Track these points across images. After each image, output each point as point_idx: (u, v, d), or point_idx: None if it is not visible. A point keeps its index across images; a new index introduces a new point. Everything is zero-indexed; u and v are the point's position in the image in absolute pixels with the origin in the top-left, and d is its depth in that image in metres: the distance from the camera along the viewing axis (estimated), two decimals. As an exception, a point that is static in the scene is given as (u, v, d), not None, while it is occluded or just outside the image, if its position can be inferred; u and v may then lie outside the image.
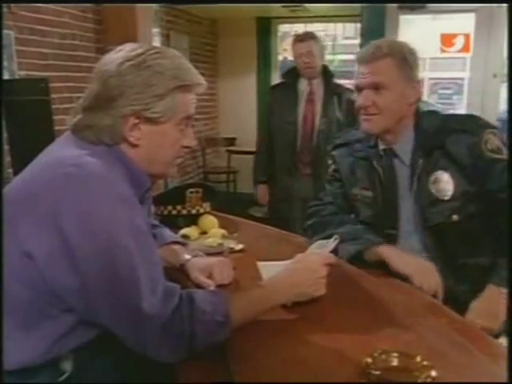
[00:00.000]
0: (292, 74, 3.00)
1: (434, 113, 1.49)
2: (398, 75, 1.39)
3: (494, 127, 1.40)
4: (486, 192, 1.36)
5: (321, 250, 1.19)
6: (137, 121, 0.99)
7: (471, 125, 1.40)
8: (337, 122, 2.85)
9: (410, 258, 1.32)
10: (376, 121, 1.42)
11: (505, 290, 1.25)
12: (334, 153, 1.65)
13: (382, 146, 1.50)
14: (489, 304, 1.25)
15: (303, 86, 2.93)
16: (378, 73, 1.39)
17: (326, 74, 2.95)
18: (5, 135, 2.53)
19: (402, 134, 1.45)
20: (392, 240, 1.44)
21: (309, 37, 2.89)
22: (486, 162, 1.34)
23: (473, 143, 1.35)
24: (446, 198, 1.38)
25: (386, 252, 1.34)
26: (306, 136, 2.91)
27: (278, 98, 3.01)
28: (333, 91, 2.87)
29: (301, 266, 1.13)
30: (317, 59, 2.86)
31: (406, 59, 1.40)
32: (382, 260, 1.34)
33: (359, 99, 1.44)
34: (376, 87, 1.39)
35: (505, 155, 1.35)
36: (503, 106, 4.73)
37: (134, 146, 1.02)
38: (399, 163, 1.47)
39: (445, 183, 1.38)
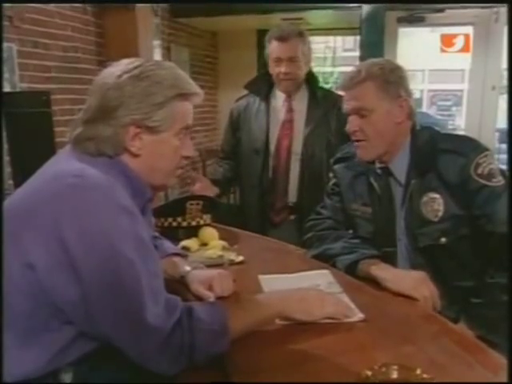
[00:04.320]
0: (262, 83, 2.20)
1: (429, 131, 1.47)
2: (379, 97, 1.39)
3: (487, 150, 1.38)
4: (471, 217, 1.35)
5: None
6: (137, 130, 1.01)
7: (463, 146, 1.38)
8: (327, 146, 2.08)
9: (401, 274, 1.31)
10: (367, 147, 1.43)
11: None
12: (335, 167, 1.65)
13: (378, 164, 1.49)
14: None
15: (278, 100, 2.16)
16: (359, 98, 1.40)
17: (312, 82, 2.17)
18: (6, 147, 2.54)
19: (397, 152, 1.45)
20: (390, 258, 1.43)
21: (294, 34, 2.04)
22: (473, 186, 1.33)
23: (462, 165, 1.34)
24: (436, 219, 1.37)
25: (376, 271, 1.32)
26: (280, 171, 2.13)
27: (242, 119, 2.21)
28: (321, 104, 2.11)
29: (313, 291, 1.17)
30: (302, 67, 2.08)
31: (386, 79, 1.39)
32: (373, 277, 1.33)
33: (347, 125, 1.46)
34: (360, 112, 1.40)
35: (494, 182, 1.33)
36: (501, 117, 4.76)
37: (135, 156, 1.03)
38: (394, 182, 1.47)
39: (436, 204, 1.38)
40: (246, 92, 2.27)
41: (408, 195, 1.42)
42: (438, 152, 1.39)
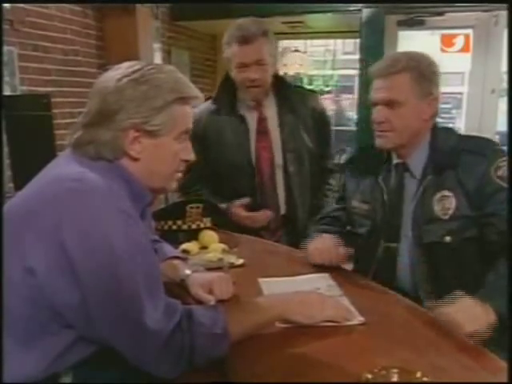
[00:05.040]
0: (225, 92, 1.95)
1: (450, 131, 1.49)
2: (413, 91, 1.37)
3: (504, 153, 1.38)
4: (482, 216, 1.34)
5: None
6: (137, 134, 1.01)
7: (484, 148, 1.38)
8: (307, 149, 1.97)
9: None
10: (390, 137, 1.41)
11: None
12: (345, 167, 1.69)
13: (395, 161, 1.50)
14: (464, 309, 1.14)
15: (246, 109, 1.93)
16: (393, 88, 1.37)
17: (281, 84, 1.98)
18: (6, 149, 2.55)
19: (416, 148, 1.44)
20: (392, 253, 1.45)
21: (259, 34, 1.80)
22: (492, 188, 1.33)
23: (483, 167, 1.34)
24: (446, 217, 1.37)
25: None
26: (267, 187, 1.94)
27: (210, 133, 1.91)
28: (292, 106, 1.95)
29: (313, 294, 1.18)
30: (269, 70, 1.86)
31: (423, 74, 1.37)
32: None
33: (373, 114, 1.43)
34: (390, 104, 1.38)
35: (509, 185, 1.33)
36: (501, 120, 4.77)
37: (135, 159, 1.03)
38: (409, 177, 1.47)
39: (448, 203, 1.37)
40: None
41: (422, 190, 1.42)
42: (458, 151, 1.39)
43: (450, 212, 1.37)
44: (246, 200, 1.92)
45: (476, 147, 1.39)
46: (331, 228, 1.60)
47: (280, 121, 1.95)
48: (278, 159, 1.96)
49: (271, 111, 1.96)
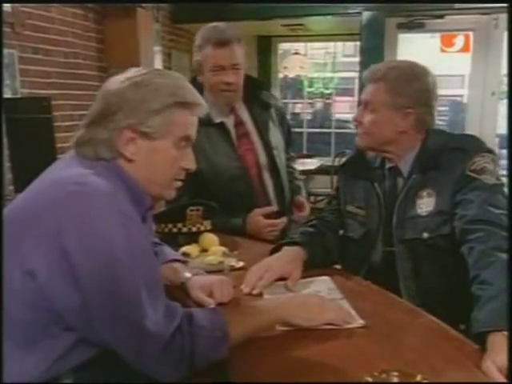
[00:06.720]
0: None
1: (439, 132, 1.50)
2: (385, 101, 1.42)
3: (489, 151, 1.39)
4: (453, 208, 1.33)
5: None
6: (133, 135, 1.02)
7: (467, 146, 1.39)
8: (282, 145, 2.03)
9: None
10: (363, 138, 1.49)
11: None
12: (339, 171, 1.69)
13: (388, 165, 1.51)
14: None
15: (223, 116, 1.90)
16: (370, 94, 1.46)
17: (253, 86, 1.99)
18: (6, 152, 2.55)
19: (408, 154, 1.46)
20: (391, 258, 1.44)
21: (234, 38, 1.81)
22: (465, 180, 1.33)
23: (463, 164, 1.34)
24: (425, 213, 1.39)
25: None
26: (256, 190, 1.95)
27: (197, 147, 1.74)
28: (263, 106, 2.00)
29: (313, 297, 1.19)
30: (242, 74, 1.87)
31: (397, 87, 1.40)
32: None
33: (356, 113, 1.53)
34: (367, 107, 1.46)
35: (482, 177, 1.31)
36: (501, 122, 4.78)
37: (130, 161, 1.03)
38: (401, 181, 1.48)
39: (429, 200, 1.39)
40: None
41: (406, 189, 1.44)
42: (444, 150, 1.40)
43: (430, 208, 1.38)
44: (269, 209, 1.92)
45: (459, 145, 1.40)
46: (318, 230, 1.57)
47: (254, 121, 1.97)
48: (263, 159, 1.98)
49: (244, 114, 1.97)
